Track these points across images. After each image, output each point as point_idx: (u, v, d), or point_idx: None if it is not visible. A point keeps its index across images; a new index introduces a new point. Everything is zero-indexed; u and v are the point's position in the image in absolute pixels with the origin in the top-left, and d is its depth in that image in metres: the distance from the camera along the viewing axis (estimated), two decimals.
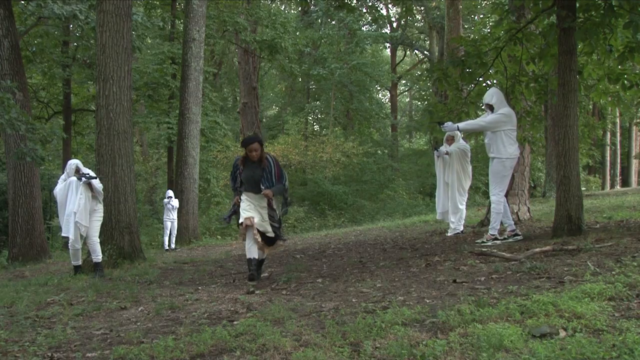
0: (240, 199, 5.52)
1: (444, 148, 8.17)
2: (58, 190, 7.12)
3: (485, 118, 6.33)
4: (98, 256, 7.04)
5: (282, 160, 20.84)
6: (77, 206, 6.81)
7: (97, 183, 7.00)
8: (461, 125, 6.29)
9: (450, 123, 6.35)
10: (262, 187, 5.39)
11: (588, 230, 6.19)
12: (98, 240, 7.11)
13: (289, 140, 22.14)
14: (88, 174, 6.87)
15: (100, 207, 7.16)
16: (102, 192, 7.14)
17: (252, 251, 5.47)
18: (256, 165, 5.46)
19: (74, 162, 7.00)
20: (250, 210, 5.44)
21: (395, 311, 3.38)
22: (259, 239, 5.39)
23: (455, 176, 8.09)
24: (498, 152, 6.26)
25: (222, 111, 25.24)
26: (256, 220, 5.40)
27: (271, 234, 5.52)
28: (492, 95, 6.40)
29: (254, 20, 20.63)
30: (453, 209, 8.12)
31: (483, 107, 6.60)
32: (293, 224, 17.92)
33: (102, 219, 7.25)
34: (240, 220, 5.44)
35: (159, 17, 18.70)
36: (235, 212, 5.61)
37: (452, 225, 8.13)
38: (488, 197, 6.94)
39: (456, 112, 7.71)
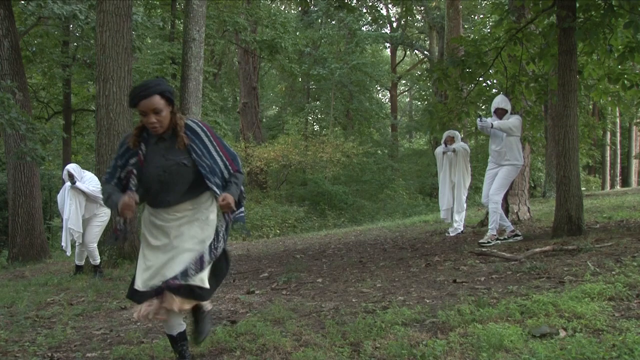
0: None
1: (451, 146, 8.21)
2: (58, 196, 7.17)
3: (509, 120, 6.34)
4: (96, 260, 7.03)
5: (282, 161, 20.74)
6: (69, 212, 6.78)
7: (86, 186, 6.78)
8: (495, 123, 6.29)
9: (486, 119, 6.36)
10: (214, 190, 2.67)
11: (588, 230, 6.20)
12: (96, 245, 7.00)
13: (289, 140, 22.11)
14: (73, 176, 6.75)
15: (102, 212, 6.99)
16: (98, 194, 6.77)
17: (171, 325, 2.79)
18: (167, 145, 2.70)
19: (66, 167, 6.96)
20: (153, 258, 2.68)
21: (395, 311, 3.38)
22: (176, 307, 2.60)
23: (461, 175, 8.15)
24: (515, 159, 6.35)
25: (222, 111, 25.23)
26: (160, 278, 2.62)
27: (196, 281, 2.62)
28: (507, 101, 6.47)
29: (254, 20, 20.62)
30: (458, 208, 8.17)
31: (492, 111, 6.54)
32: (293, 224, 17.91)
33: (104, 224, 7.06)
34: (138, 287, 2.64)
35: (159, 17, 18.69)
36: (125, 235, 2.72)
37: (454, 225, 8.16)
38: None
39: (456, 112, 7.71)
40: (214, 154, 2.73)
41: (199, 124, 2.76)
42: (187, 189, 2.69)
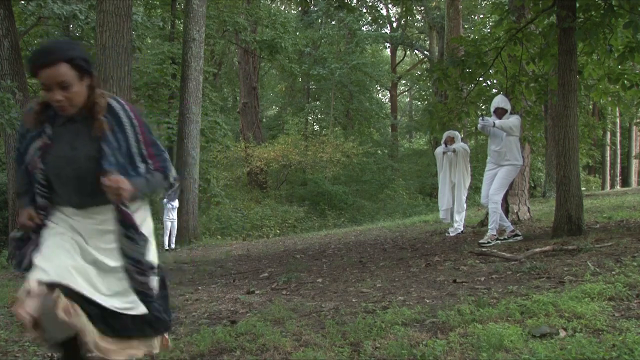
0: (40, 219, 2.08)
1: (452, 146, 8.22)
2: None
3: (509, 120, 6.34)
4: None
5: (282, 161, 20.73)
6: None
7: None
8: (497, 122, 6.30)
9: (488, 118, 6.37)
10: (107, 169, 1.98)
11: (588, 230, 6.19)
12: None
13: (289, 140, 22.13)
14: None
15: None
16: None
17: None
18: (78, 128, 2.05)
19: None
20: (56, 254, 1.97)
21: (395, 311, 3.38)
22: (78, 322, 1.90)
23: (461, 175, 8.17)
24: (515, 159, 6.36)
25: (222, 111, 25.24)
26: (74, 281, 1.92)
27: (121, 307, 2.03)
28: (507, 101, 6.48)
29: (254, 20, 20.64)
30: (458, 208, 8.19)
31: (492, 111, 6.54)
32: (293, 224, 17.92)
33: None
34: (30, 282, 1.91)
35: (159, 17, 18.71)
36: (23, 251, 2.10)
37: (455, 225, 8.17)
38: None
39: (456, 112, 7.72)
40: (134, 150, 2.06)
41: (125, 106, 2.09)
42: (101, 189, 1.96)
